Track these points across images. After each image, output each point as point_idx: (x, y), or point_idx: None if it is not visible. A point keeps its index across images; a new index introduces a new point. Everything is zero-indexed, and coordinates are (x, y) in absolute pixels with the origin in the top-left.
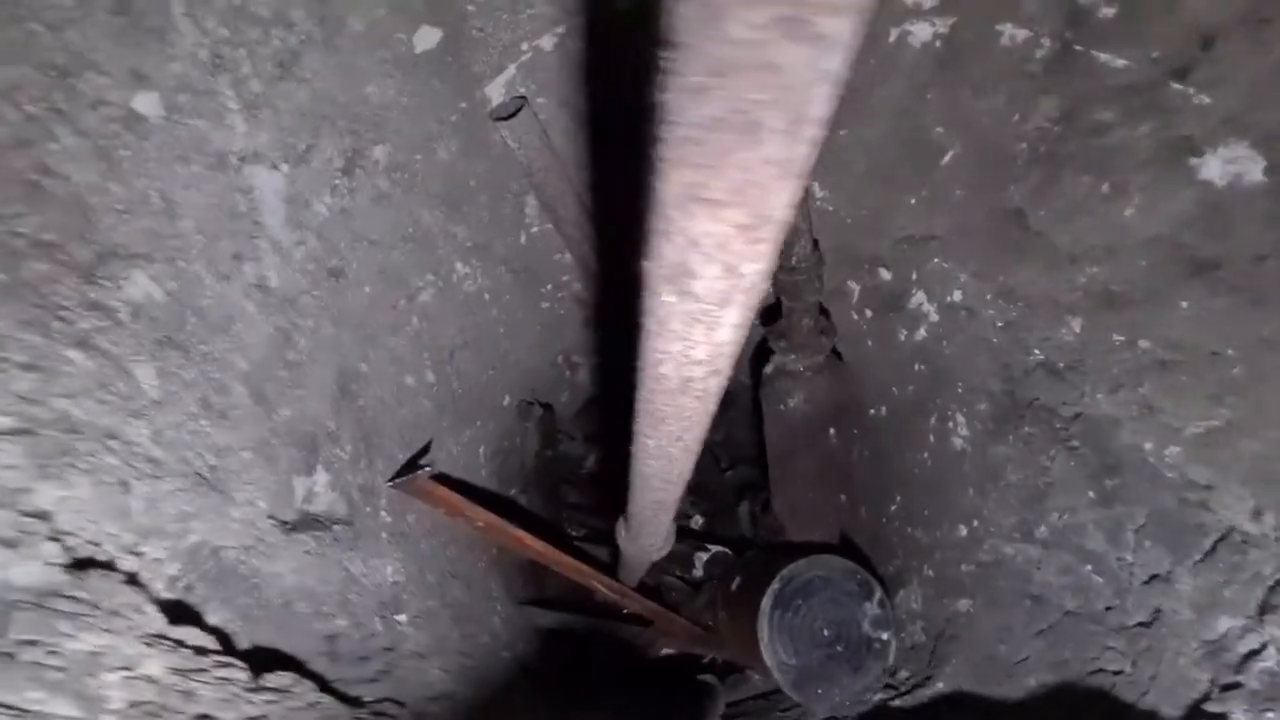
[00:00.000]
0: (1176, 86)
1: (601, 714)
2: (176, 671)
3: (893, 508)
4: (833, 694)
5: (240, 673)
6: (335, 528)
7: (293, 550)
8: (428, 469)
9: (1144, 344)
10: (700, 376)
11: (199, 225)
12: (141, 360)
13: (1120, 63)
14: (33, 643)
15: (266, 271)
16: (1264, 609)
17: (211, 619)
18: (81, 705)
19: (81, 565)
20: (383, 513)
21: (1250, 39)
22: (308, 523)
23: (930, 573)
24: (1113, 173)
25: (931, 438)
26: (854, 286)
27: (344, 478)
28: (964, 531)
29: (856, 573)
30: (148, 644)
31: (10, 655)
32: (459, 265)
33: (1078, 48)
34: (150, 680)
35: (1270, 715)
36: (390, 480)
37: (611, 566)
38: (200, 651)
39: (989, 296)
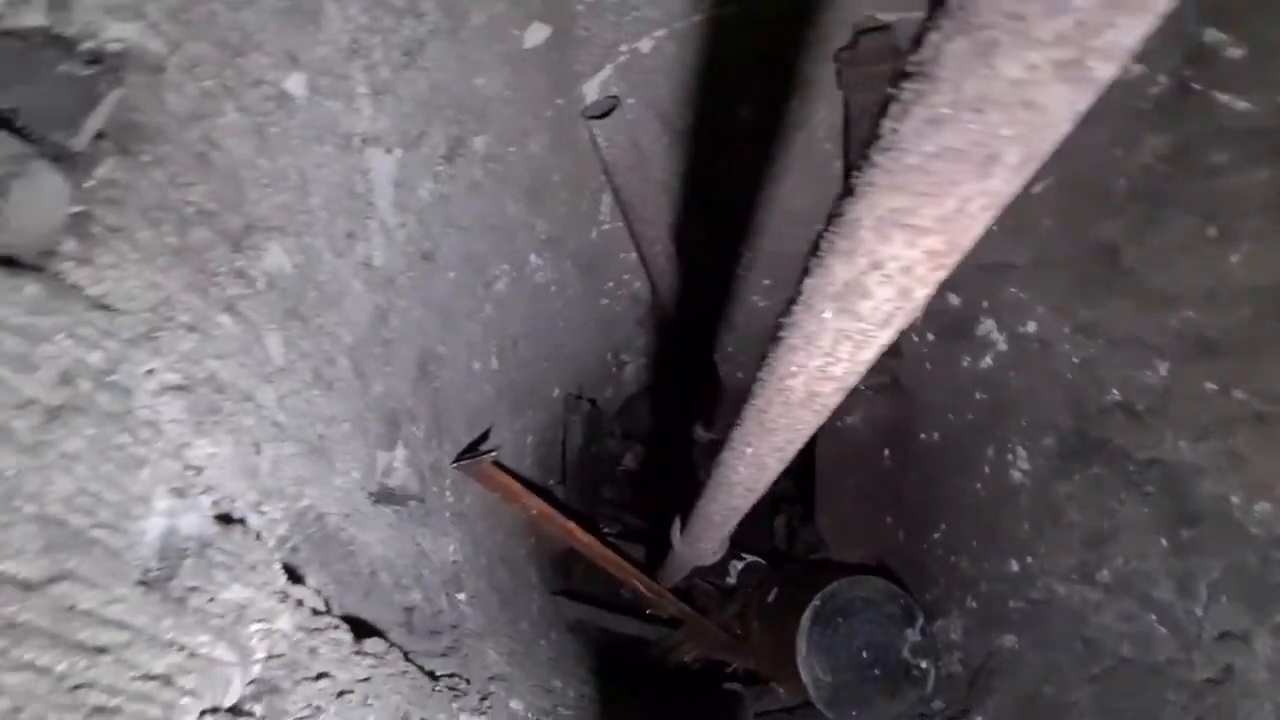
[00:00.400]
0: None
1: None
2: (301, 629)
3: (936, 535)
4: (865, 716)
5: (345, 635)
6: (410, 503)
7: (378, 521)
8: (492, 453)
9: (1239, 394)
10: (827, 392)
11: (325, 202)
12: (272, 329)
13: (1242, 105)
14: (196, 589)
15: (373, 251)
16: None
17: (311, 581)
18: (237, 652)
19: (225, 520)
20: (447, 492)
21: None
22: (387, 496)
23: (973, 604)
24: (1221, 217)
25: (987, 468)
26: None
27: (418, 455)
28: (1015, 566)
29: (900, 597)
30: (280, 600)
31: (181, 600)
32: (533, 256)
33: (1196, 87)
34: (283, 635)
35: None
36: (454, 461)
37: (646, 565)
38: (316, 613)
39: (1066, 330)
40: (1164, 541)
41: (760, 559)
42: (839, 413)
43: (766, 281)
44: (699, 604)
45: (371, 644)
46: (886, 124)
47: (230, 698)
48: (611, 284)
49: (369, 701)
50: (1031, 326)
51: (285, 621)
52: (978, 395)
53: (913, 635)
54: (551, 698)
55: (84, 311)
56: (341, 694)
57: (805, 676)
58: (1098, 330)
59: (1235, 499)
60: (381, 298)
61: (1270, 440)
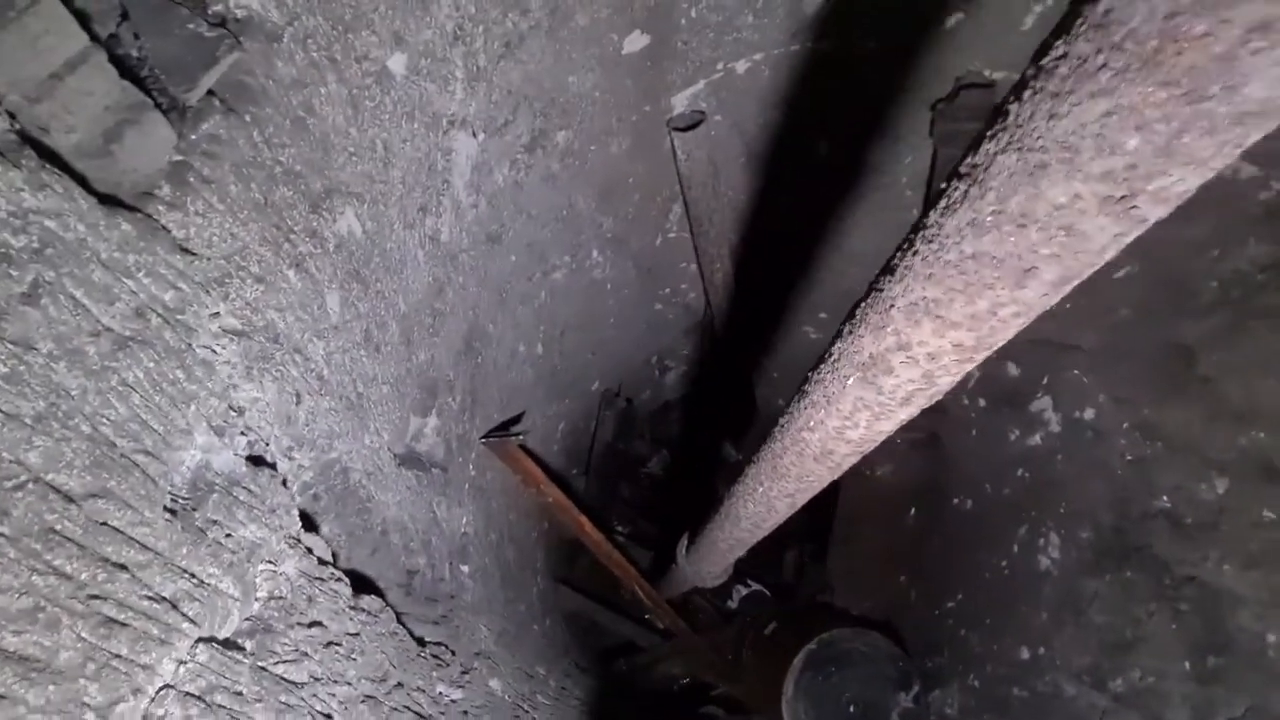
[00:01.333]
0: None
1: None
2: (304, 575)
3: (950, 604)
4: None
5: (345, 588)
6: (433, 470)
7: (399, 484)
8: (520, 435)
9: None
10: (842, 454)
11: (403, 175)
12: (334, 287)
13: None
14: (218, 523)
15: (442, 226)
16: None
17: (325, 530)
18: (241, 588)
19: (257, 463)
20: (470, 466)
21: None
22: (413, 460)
23: (976, 683)
24: None
25: (1016, 548)
26: (974, 371)
27: (449, 425)
28: (1026, 654)
29: (900, 659)
30: (290, 545)
31: (203, 531)
32: (595, 252)
33: None
34: (286, 578)
35: None
36: (484, 436)
37: (650, 573)
38: (322, 562)
39: (1125, 425)
40: (1187, 665)
41: (765, 589)
42: (869, 461)
43: (822, 315)
44: (695, 621)
45: (368, 601)
46: (932, 215)
47: (226, 630)
48: (667, 290)
49: (353, 656)
50: (1089, 414)
51: (291, 566)
52: (1020, 472)
53: (905, 700)
54: (532, 684)
55: (166, 253)
56: (329, 644)
57: (787, 716)
58: (1159, 432)
59: (1272, 637)
60: (441, 271)
61: None
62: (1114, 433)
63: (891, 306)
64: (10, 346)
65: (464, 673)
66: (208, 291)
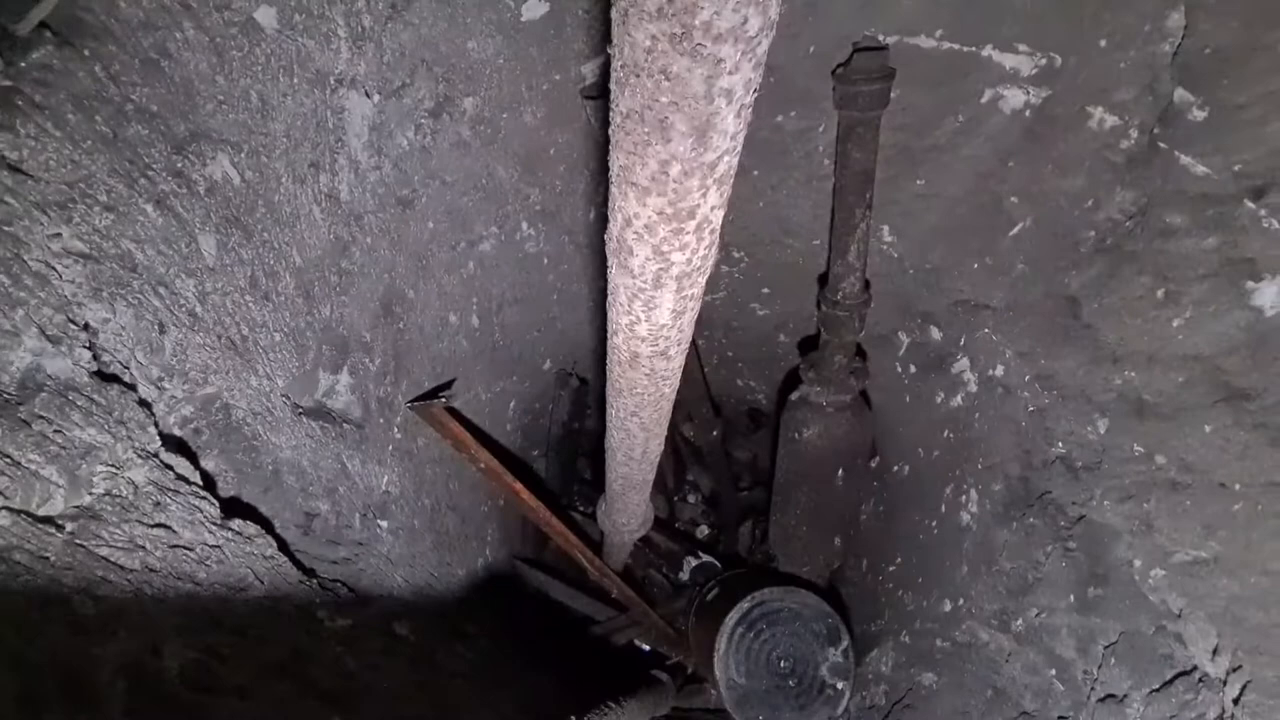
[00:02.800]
0: (1250, 205)
1: (541, 674)
2: (155, 485)
3: (892, 568)
4: None
5: (210, 506)
6: (345, 426)
7: (297, 430)
8: (443, 399)
9: (1160, 459)
10: (646, 355)
11: (287, 129)
12: (207, 231)
13: (1201, 169)
14: (46, 419)
15: (339, 185)
16: None
17: (206, 464)
18: (67, 479)
19: (106, 378)
20: (395, 429)
21: None
22: (320, 413)
23: (907, 639)
24: (1171, 280)
25: (944, 507)
26: (903, 339)
27: (365, 386)
28: (948, 607)
29: (829, 616)
30: (140, 456)
31: (26, 423)
32: (524, 225)
33: (1163, 145)
34: (130, 483)
35: None
36: (409, 402)
37: (600, 545)
38: (183, 479)
39: (1028, 378)
40: (1072, 598)
41: (714, 560)
42: (798, 426)
43: (765, 290)
44: (650, 594)
45: (241, 524)
46: (611, 86)
47: (45, 510)
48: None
49: (207, 563)
50: (1000, 370)
51: (140, 475)
52: (946, 433)
53: (834, 655)
54: (457, 638)
55: None
56: (177, 547)
57: (719, 674)
58: (1054, 381)
59: (1138, 563)
60: (344, 230)
61: (1176, 508)
62: (1019, 387)
63: (611, 182)
64: None
65: (363, 607)
66: (45, 212)
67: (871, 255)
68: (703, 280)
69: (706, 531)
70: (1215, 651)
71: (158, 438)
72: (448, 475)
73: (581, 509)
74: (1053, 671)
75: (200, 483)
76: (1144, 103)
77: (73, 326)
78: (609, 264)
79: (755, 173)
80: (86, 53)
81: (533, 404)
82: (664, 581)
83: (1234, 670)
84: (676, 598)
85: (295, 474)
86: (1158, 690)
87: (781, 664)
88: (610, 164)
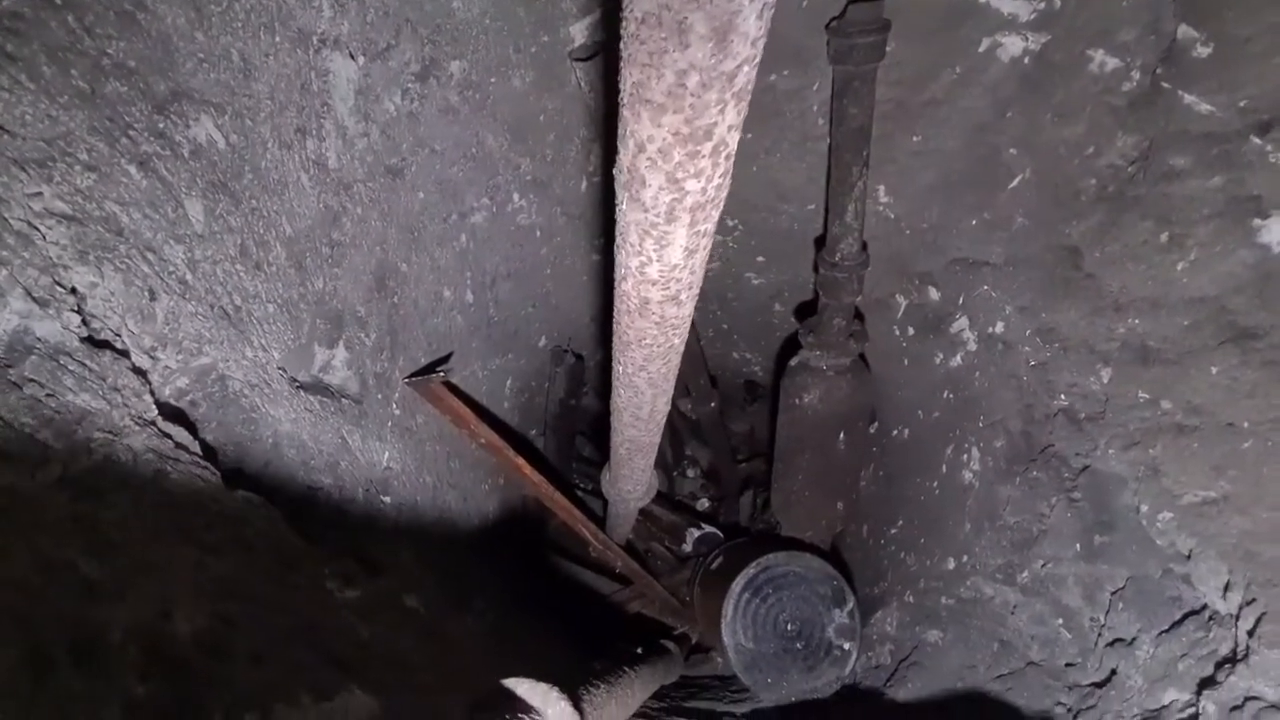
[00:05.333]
0: (1256, 141)
1: (552, 642)
2: (152, 451)
3: (894, 531)
4: (781, 686)
5: (211, 475)
6: (344, 400)
7: (296, 403)
8: (441, 374)
9: (1166, 404)
10: (657, 300)
11: (271, 91)
12: (194, 196)
13: (1205, 108)
14: (38, 383)
15: (327, 151)
16: (1204, 685)
17: (205, 435)
18: (64, 443)
19: (98, 344)
20: (394, 405)
21: None
22: (318, 388)
23: (910, 599)
24: (1175, 223)
25: (944, 468)
26: (900, 300)
27: (362, 361)
28: (952, 565)
29: (834, 579)
30: (137, 424)
31: (18, 385)
32: (516, 196)
33: (1166, 85)
34: (129, 449)
35: None
36: (406, 378)
37: (602, 521)
38: (182, 448)
39: (1028, 333)
40: (1079, 547)
41: (717, 531)
42: (799, 391)
43: (760, 258)
44: (654, 567)
45: (245, 494)
46: None
47: (43, 474)
48: (603, 240)
49: (212, 529)
50: (999, 327)
51: (137, 440)
52: (945, 394)
53: (840, 616)
54: (466, 610)
55: None
56: (178, 511)
57: (727, 640)
58: (1055, 334)
59: (1145, 508)
60: (334, 200)
61: (1183, 451)
62: (1020, 342)
63: (623, 106)
64: None
65: (371, 577)
66: (24, 169)
67: (867, 217)
68: (715, 215)
69: (707, 504)
70: (1227, 588)
71: (154, 406)
72: (448, 453)
73: (582, 486)
74: (1059, 621)
75: (200, 452)
76: (1146, 42)
77: (60, 289)
78: (618, 200)
79: (748, 135)
80: (58, 1)
81: (529, 382)
82: (667, 554)
83: (1248, 604)
84: (680, 569)
85: (296, 447)
86: (1167, 631)
87: (788, 627)
88: (621, 84)
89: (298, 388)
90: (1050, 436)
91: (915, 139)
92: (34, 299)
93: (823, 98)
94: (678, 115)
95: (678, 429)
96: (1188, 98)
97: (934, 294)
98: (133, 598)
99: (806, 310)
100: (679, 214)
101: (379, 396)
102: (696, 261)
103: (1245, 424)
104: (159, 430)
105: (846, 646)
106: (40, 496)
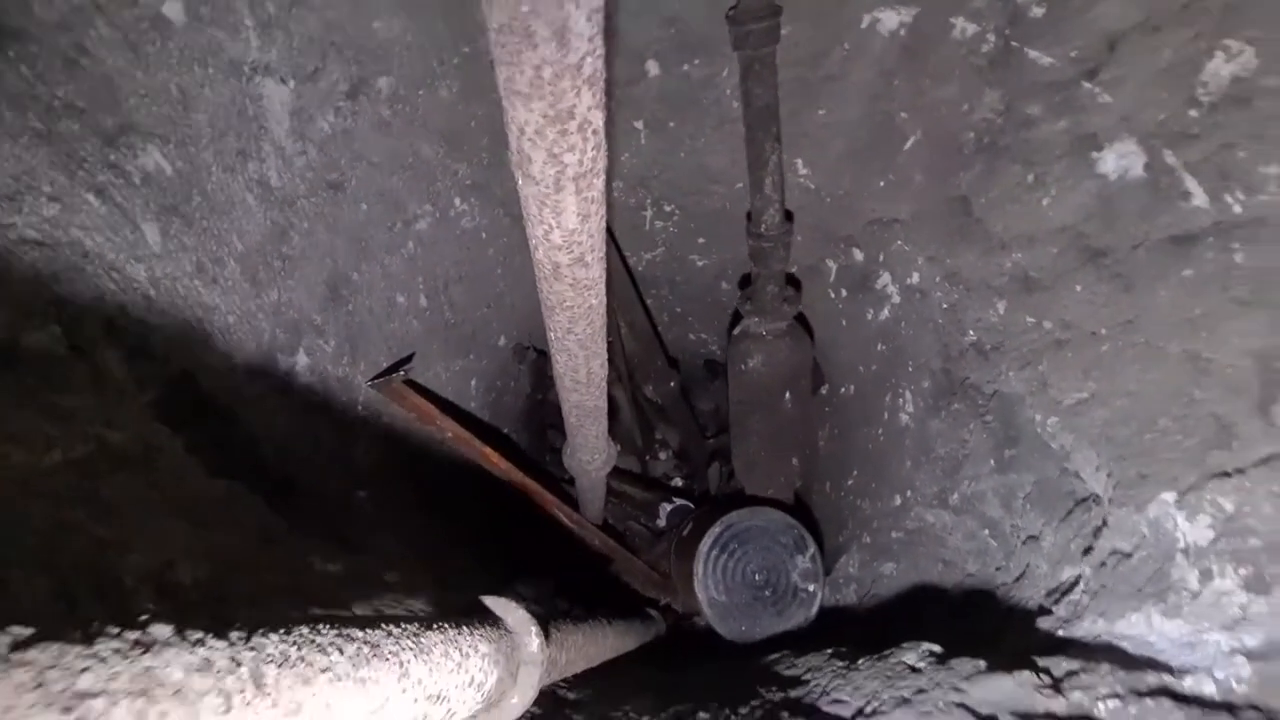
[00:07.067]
0: (1087, 85)
1: (543, 578)
2: (142, 443)
3: (849, 482)
4: (754, 632)
5: (195, 466)
6: (312, 401)
7: (264, 404)
8: (402, 374)
9: (1047, 324)
10: (566, 264)
11: (210, 120)
12: (149, 219)
13: (1047, 60)
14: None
15: (268, 172)
16: (1084, 553)
17: (183, 434)
18: (61, 432)
19: (76, 350)
20: (359, 406)
21: (1143, 43)
22: (285, 392)
23: (868, 539)
24: (1037, 165)
25: (885, 414)
26: (831, 265)
27: (324, 367)
28: (898, 501)
29: (794, 528)
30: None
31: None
32: (457, 200)
33: (1015, 44)
34: (120, 440)
35: (1065, 631)
36: (370, 381)
37: (577, 503)
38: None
39: (938, 279)
40: (993, 462)
41: (689, 503)
42: (743, 358)
43: (700, 240)
44: (632, 544)
45: (228, 483)
46: None
47: (49, 459)
48: None
49: (202, 502)
50: (915, 278)
51: (115, 437)
52: (879, 346)
53: (803, 562)
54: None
55: None
56: (169, 493)
57: (701, 596)
58: (959, 277)
59: (1038, 417)
60: (280, 216)
61: (1062, 361)
62: (933, 288)
63: (502, 97)
64: None
65: (352, 556)
66: None
67: (791, 189)
68: (599, 183)
69: (681, 482)
70: (1096, 469)
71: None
72: (427, 451)
73: (562, 479)
74: (986, 532)
75: (183, 448)
76: (995, 8)
77: (40, 303)
78: (516, 179)
79: (671, 124)
80: (11, 54)
81: (494, 381)
82: (644, 531)
83: (1109, 478)
84: (657, 543)
85: (268, 439)
86: (1063, 520)
87: (756, 577)
88: (497, 80)
89: (265, 392)
90: (965, 370)
91: (821, 113)
92: (21, 315)
93: (733, 82)
94: (542, 101)
95: (646, 414)
96: (1032, 53)
97: (858, 255)
98: (138, 552)
99: (747, 283)
100: (565, 184)
101: (344, 399)
102: (592, 226)
103: (1103, 330)
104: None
105: (811, 588)
106: (50, 473)
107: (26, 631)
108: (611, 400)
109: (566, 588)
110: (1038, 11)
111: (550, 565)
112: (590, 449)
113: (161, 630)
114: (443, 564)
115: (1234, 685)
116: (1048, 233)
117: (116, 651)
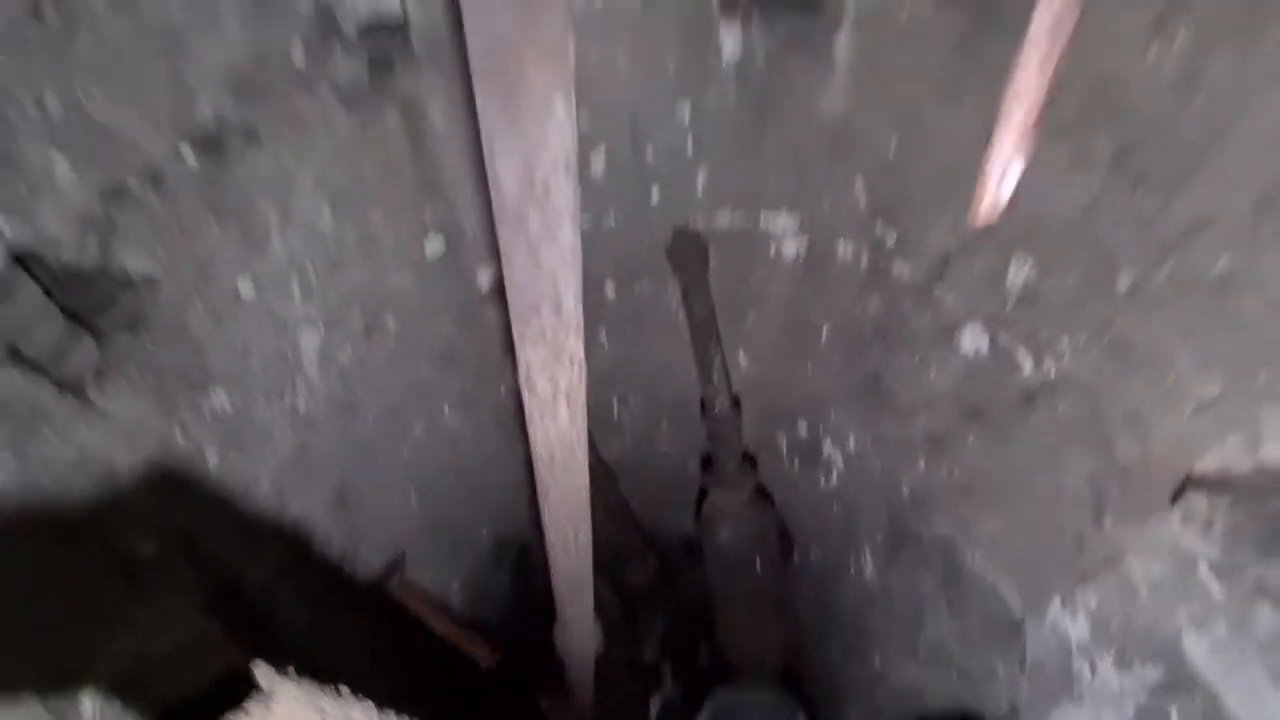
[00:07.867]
0: (938, 289)
1: None
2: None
3: (834, 645)
4: None
5: None
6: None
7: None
8: (398, 576)
9: (956, 473)
10: (559, 454)
11: (261, 364)
12: (213, 448)
13: (907, 272)
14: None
15: (299, 401)
16: (1021, 666)
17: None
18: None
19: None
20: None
21: (964, 259)
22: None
23: (858, 704)
24: (919, 347)
25: (851, 571)
26: (782, 439)
27: (329, 566)
28: (877, 661)
29: (784, 704)
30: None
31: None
32: (447, 408)
33: (881, 262)
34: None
35: None
36: (370, 582)
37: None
38: None
39: (870, 445)
40: (945, 605)
41: (677, 691)
42: (713, 532)
43: (663, 427)
44: None
45: None
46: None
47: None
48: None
49: None
50: (853, 445)
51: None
52: (835, 509)
53: None
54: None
55: (94, 416)
56: None
57: None
58: (886, 441)
59: (969, 555)
60: (304, 437)
61: (975, 503)
62: (868, 453)
63: (516, 343)
64: None
65: None
66: (119, 443)
67: (739, 380)
68: (581, 397)
69: (670, 667)
70: (1015, 590)
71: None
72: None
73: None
74: (954, 674)
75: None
76: (863, 237)
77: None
78: (524, 397)
79: (629, 331)
80: (142, 335)
81: (474, 574)
82: None
83: (1020, 596)
84: None
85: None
86: (1007, 646)
87: None
88: (514, 333)
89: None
90: (908, 521)
91: (752, 317)
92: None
93: (677, 297)
94: (544, 347)
95: (630, 600)
96: (894, 268)
97: (804, 430)
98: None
99: (709, 463)
100: (559, 397)
101: (345, 600)
102: (578, 427)
103: (994, 473)
104: None
105: None
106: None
107: None
108: (596, 592)
109: None
110: (891, 240)
111: None
112: (580, 620)
113: None
114: None
115: None
116: (939, 399)
117: None
